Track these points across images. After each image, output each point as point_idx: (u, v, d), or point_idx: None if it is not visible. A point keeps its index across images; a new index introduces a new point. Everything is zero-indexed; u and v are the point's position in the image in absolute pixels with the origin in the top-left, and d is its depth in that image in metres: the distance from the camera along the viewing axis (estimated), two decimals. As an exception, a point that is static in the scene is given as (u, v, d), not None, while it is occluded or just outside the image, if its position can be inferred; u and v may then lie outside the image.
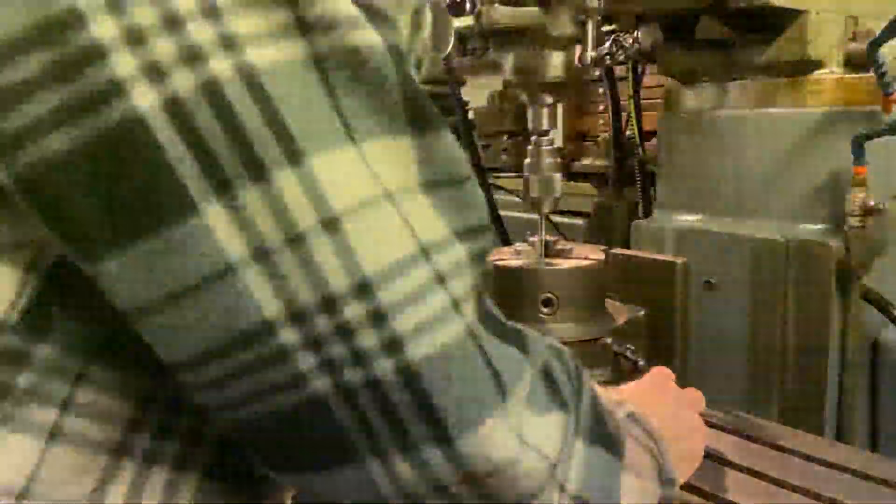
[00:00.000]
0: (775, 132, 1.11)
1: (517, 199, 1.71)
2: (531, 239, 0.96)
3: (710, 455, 0.78)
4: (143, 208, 0.34)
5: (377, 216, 0.37)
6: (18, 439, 0.37)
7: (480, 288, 0.43)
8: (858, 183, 1.02)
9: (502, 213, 1.64)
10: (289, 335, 0.36)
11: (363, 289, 0.36)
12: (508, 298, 0.90)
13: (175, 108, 0.34)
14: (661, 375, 0.79)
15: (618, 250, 1.04)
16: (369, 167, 0.37)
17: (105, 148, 0.34)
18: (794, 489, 0.71)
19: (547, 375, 0.47)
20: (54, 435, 0.38)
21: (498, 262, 0.91)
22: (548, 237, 0.93)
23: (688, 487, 0.72)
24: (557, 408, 0.45)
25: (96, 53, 0.33)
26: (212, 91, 0.34)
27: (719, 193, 1.17)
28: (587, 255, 0.93)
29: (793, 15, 1.07)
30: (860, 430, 1.09)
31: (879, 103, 1.01)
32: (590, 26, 0.87)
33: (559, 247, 0.94)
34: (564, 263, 0.91)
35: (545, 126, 0.92)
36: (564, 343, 0.84)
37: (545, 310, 0.87)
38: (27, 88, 0.33)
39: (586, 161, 1.84)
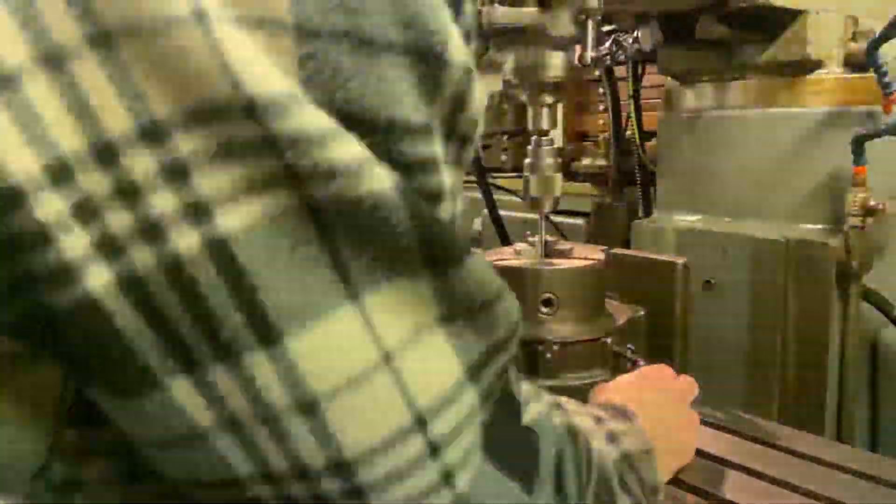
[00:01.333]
0: (775, 132, 1.11)
1: (517, 199, 1.71)
2: (531, 239, 0.95)
3: (710, 455, 0.78)
4: (103, 383, 0.33)
5: (365, 393, 0.34)
6: None
7: (507, 375, 0.42)
8: (858, 183, 1.02)
9: (502, 213, 1.65)
10: (263, 490, 0.35)
11: (341, 468, 0.34)
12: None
13: (132, 287, 0.31)
14: (653, 369, 0.79)
15: (618, 250, 1.04)
16: (370, 325, 0.33)
17: (67, 327, 0.31)
18: (794, 489, 0.71)
19: (558, 486, 0.46)
20: None
21: (498, 262, 0.91)
22: (548, 237, 0.93)
23: (687, 487, 0.72)
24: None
25: (40, 238, 0.30)
26: (173, 270, 0.31)
27: (719, 193, 1.17)
28: (587, 255, 0.93)
29: (793, 15, 1.07)
30: (860, 430, 1.09)
31: (879, 103, 1.01)
32: (590, 26, 0.87)
33: (559, 247, 0.94)
34: (564, 263, 0.91)
35: (545, 126, 0.92)
36: (564, 343, 0.85)
37: (545, 310, 0.87)
38: None
39: (586, 161, 1.84)
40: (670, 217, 1.23)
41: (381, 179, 0.33)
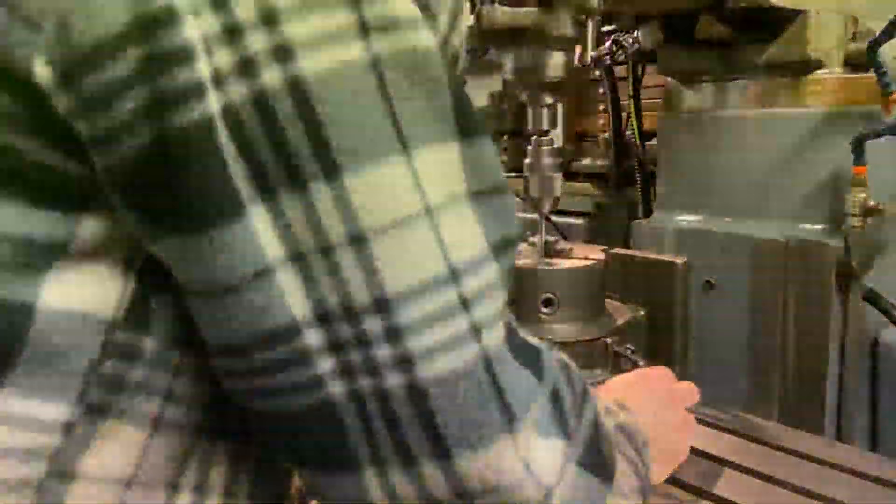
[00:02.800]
0: (775, 132, 1.11)
1: (517, 199, 1.71)
2: (531, 239, 0.95)
3: (710, 455, 0.78)
4: (197, 206, 0.36)
5: (408, 236, 0.37)
6: (129, 431, 0.40)
7: (507, 301, 0.44)
8: (858, 183, 1.02)
9: (502, 213, 1.64)
10: (313, 337, 0.37)
11: (382, 306, 0.37)
12: (508, 298, 0.89)
13: (229, 116, 0.35)
14: (653, 371, 0.79)
15: (618, 250, 1.04)
16: (417, 177, 0.38)
17: (177, 148, 0.35)
18: (794, 489, 0.71)
19: (556, 399, 0.47)
20: (157, 424, 0.41)
21: (498, 262, 0.91)
22: (548, 237, 0.93)
23: (687, 487, 0.72)
24: (560, 434, 0.46)
25: (185, 54, 0.34)
26: (260, 103, 0.35)
27: (719, 193, 1.17)
28: (587, 255, 0.93)
29: (793, 15, 1.07)
30: (860, 430, 1.09)
31: (879, 103, 1.01)
32: (590, 26, 0.87)
33: (559, 247, 0.94)
34: (564, 263, 0.91)
35: (545, 126, 0.92)
36: (564, 343, 0.85)
37: (545, 310, 0.87)
38: (123, 85, 0.35)
39: (586, 161, 1.84)
40: (670, 217, 1.23)
41: (429, 35, 0.38)
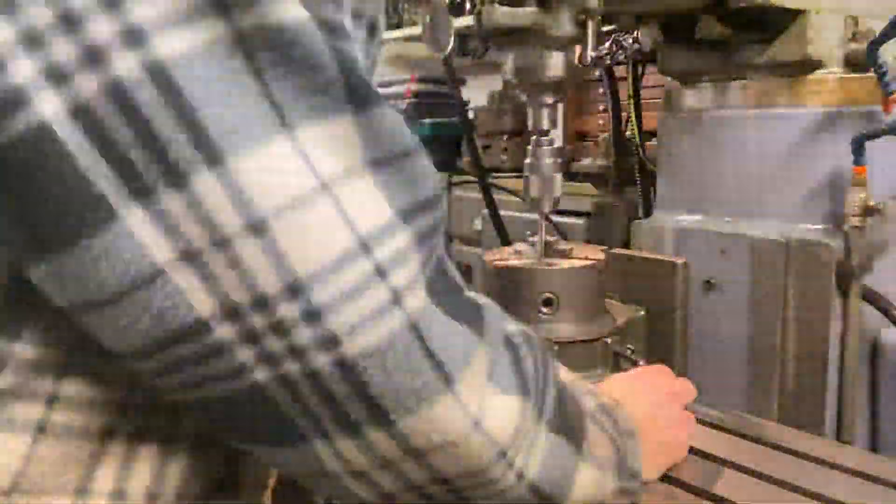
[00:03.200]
0: (775, 132, 1.11)
1: (517, 199, 1.71)
2: (531, 239, 0.95)
3: (710, 455, 0.78)
4: (61, 220, 0.33)
5: (309, 213, 0.36)
6: (4, 438, 0.38)
7: (440, 257, 0.43)
8: (858, 183, 1.02)
9: (502, 213, 1.64)
10: (224, 331, 0.36)
11: (295, 290, 0.36)
12: (508, 298, 0.90)
13: (81, 113, 0.32)
14: (652, 369, 0.79)
15: (618, 250, 1.04)
16: (305, 156, 0.35)
17: (16, 160, 0.32)
18: (794, 489, 0.71)
19: (514, 357, 0.47)
20: (42, 429, 0.39)
21: (498, 262, 0.91)
22: (548, 237, 0.93)
23: (687, 487, 0.72)
24: (519, 391, 0.46)
25: None
26: (117, 93, 0.32)
27: (719, 193, 1.17)
28: (587, 255, 0.93)
29: (793, 15, 1.07)
30: (860, 430, 1.09)
31: (879, 103, 1.01)
32: (590, 26, 0.87)
33: (559, 247, 0.94)
34: (564, 263, 0.91)
35: (545, 126, 0.92)
36: (564, 343, 0.85)
37: (545, 310, 0.87)
38: None
39: (586, 161, 1.84)
40: (670, 217, 1.23)
41: (298, 8, 0.35)
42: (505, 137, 2.19)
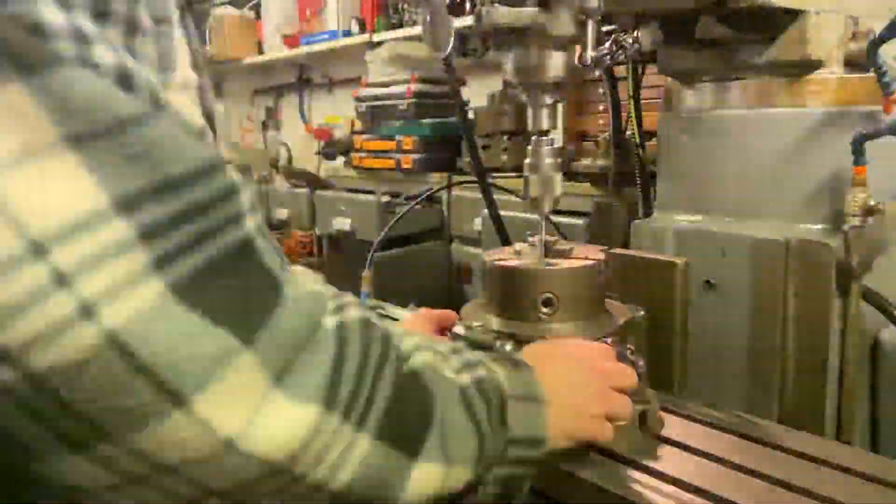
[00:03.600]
0: (775, 132, 1.11)
1: (517, 199, 1.71)
2: (531, 239, 0.95)
3: (710, 455, 0.78)
4: None
5: None
6: None
7: (237, 240, 0.39)
8: (858, 183, 1.02)
9: (502, 213, 1.65)
10: None
11: None
12: (508, 298, 0.90)
13: None
14: (586, 344, 0.79)
15: (618, 250, 1.04)
16: None
17: None
18: (794, 489, 0.71)
19: (333, 358, 0.44)
20: None
21: (498, 262, 0.91)
22: (548, 237, 0.93)
23: (688, 487, 0.72)
24: (320, 399, 0.43)
25: None
26: None
27: (719, 193, 1.17)
28: (587, 255, 0.93)
29: (793, 15, 1.07)
30: (860, 430, 1.09)
31: (879, 103, 1.01)
32: (590, 26, 0.87)
33: (559, 247, 0.94)
34: (564, 263, 0.91)
35: (545, 126, 0.92)
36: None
37: (545, 310, 0.87)
38: None
39: (586, 161, 1.84)
40: (670, 217, 1.23)
41: None
42: (505, 137, 2.19)
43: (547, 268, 0.89)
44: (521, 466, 0.60)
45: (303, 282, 0.46)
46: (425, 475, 0.51)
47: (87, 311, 0.34)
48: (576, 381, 0.70)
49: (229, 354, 0.38)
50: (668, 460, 0.78)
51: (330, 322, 0.46)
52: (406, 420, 0.50)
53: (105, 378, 0.35)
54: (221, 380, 0.38)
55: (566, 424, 0.66)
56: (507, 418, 0.59)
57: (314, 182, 2.99)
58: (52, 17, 0.34)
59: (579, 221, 1.78)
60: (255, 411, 0.39)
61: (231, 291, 0.39)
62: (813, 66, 1.09)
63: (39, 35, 0.33)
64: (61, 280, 0.33)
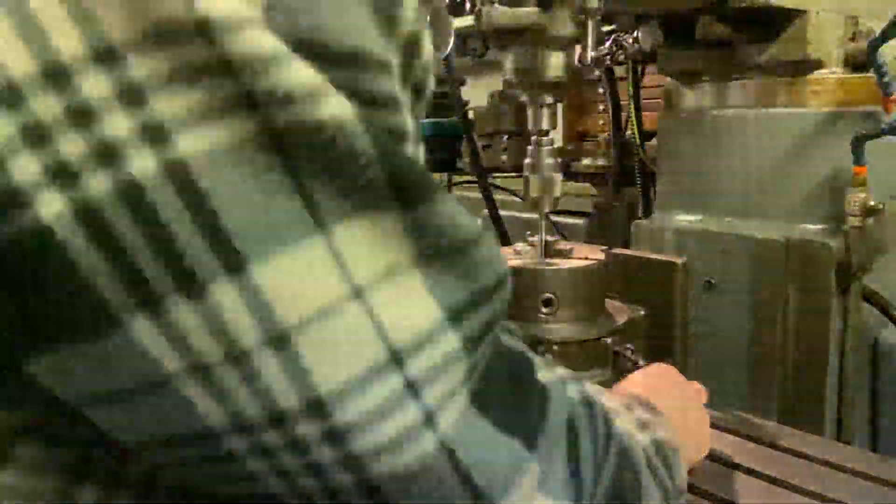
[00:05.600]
0: (775, 132, 1.11)
1: (517, 199, 1.71)
2: (531, 239, 0.95)
3: (710, 455, 0.78)
4: (59, 321, 0.31)
5: (337, 325, 0.32)
6: None
7: (499, 350, 0.41)
8: (858, 183, 1.02)
9: (502, 213, 1.65)
10: (236, 442, 0.33)
11: (317, 408, 0.33)
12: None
13: (88, 216, 0.29)
14: (662, 367, 0.78)
15: (618, 250, 1.04)
16: (338, 258, 0.32)
17: (13, 259, 0.30)
18: (794, 489, 0.71)
19: (571, 443, 0.45)
20: None
21: (498, 262, 0.91)
22: (548, 237, 0.93)
23: (687, 487, 0.72)
24: (570, 495, 0.44)
25: None
26: (131, 195, 0.29)
27: (719, 193, 1.17)
28: (587, 255, 0.93)
29: (793, 15, 1.07)
30: (860, 430, 1.09)
31: (879, 103, 1.01)
32: (590, 26, 0.87)
33: (559, 247, 0.94)
34: (564, 263, 0.91)
35: (545, 126, 0.92)
36: (564, 343, 0.85)
37: (545, 310, 0.87)
38: None
39: (586, 161, 1.84)
40: (670, 217, 1.23)
41: (341, 106, 0.32)
42: (505, 137, 2.19)
43: (547, 268, 0.89)
44: None
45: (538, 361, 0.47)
46: None
47: (429, 418, 0.35)
48: (690, 415, 0.70)
49: (523, 462, 0.40)
50: (668, 460, 0.78)
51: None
52: (624, 492, 0.50)
53: (433, 485, 0.36)
54: (519, 487, 0.39)
55: (692, 459, 0.69)
56: (675, 476, 0.59)
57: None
58: (417, 152, 0.37)
59: (579, 221, 1.78)
60: None
61: (513, 396, 0.41)
62: (813, 66, 1.09)
63: (417, 166, 0.36)
64: (414, 390, 0.34)
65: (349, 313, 0.32)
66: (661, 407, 0.62)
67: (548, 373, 0.47)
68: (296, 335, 0.31)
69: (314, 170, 0.31)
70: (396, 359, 0.34)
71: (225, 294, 0.30)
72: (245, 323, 0.31)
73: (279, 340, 0.31)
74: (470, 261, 0.37)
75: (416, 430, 0.34)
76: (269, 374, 0.32)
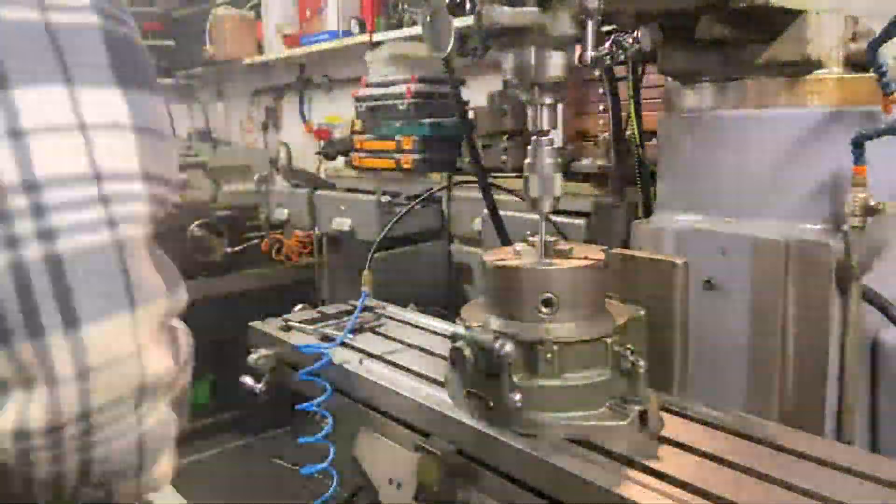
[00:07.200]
0: (775, 132, 1.11)
1: (517, 199, 1.71)
2: (531, 239, 0.95)
3: (710, 455, 0.78)
4: None
5: (61, 138, 0.47)
6: None
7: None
8: (858, 183, 1.02)
9: (502, 213, 1.65)
10: None
11: (30, 186, 0.46)
12: (508, 298, 0.90)
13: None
14: None
15: (618, 250, 1.04)
16: (75, 104, 0.48)
17: None
18: (794, 489, 0.71)
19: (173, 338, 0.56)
20: None
21: (498, 262, 0.91)
22: (548, 237, 0.93)
23: (686, 486, 0.72)
24: (172, 358, 0.54)
25: None
26: None
27: (719, 193, 1.17)
28: (587, 255, 0.93)
29: (793, 15, 1.07)
30: (860, 430, 1.09)
31: (879, 103, 1.01)
32: (590, 26, 0.87)
33: (559, 247, 0.94)
34: (564, 263, 0.91)
35: (545, 126, 0.92)
36: (564, 343, 0.85)
37: (545, 310, 0.87)
38: None
39: (586, 161, 1.84)
40: (670, 217, 1.23)
41: None
42: (505, 137, 2.19)
43: (547, 268, 0.89)
44: None
45: None
46: None
47: (111, 222, 0.49)
48: None
49: (161, 296, 0.53)
50: (668, 460, 0.78)
51: None
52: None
53: (102, 264, 0.49)
54: (152, 306, 0.51)
55: None
56: None
57: (314, 182, 2.99)
58: None
59: (579, 221, 1.78)
60: (152, 343, 0.52)
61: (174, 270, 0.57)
62: (813, 66, 1.09)
63: (135, 54, 0.56)
64: (104, 200, 0.49)
65: (73, 136, 0.48)
66: None
67: None
68: (30, 133, 0.46)
69: (77, 53, 0.50)
70: (98, 177, 0.48)
71: None
72: None
73: (16, 133, 0.46)
74: (164, 149, 0.54)
75: (98, 224, 0.48)
76: (3, 156, 0.46)
